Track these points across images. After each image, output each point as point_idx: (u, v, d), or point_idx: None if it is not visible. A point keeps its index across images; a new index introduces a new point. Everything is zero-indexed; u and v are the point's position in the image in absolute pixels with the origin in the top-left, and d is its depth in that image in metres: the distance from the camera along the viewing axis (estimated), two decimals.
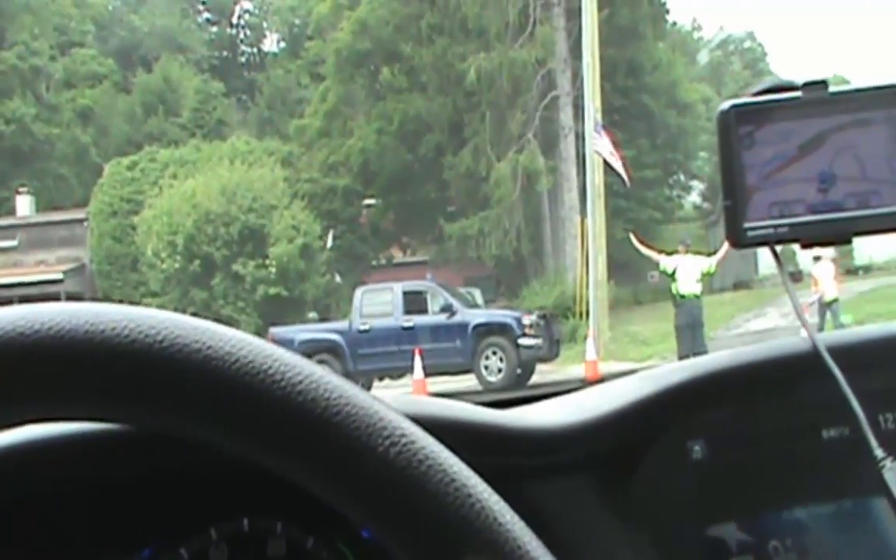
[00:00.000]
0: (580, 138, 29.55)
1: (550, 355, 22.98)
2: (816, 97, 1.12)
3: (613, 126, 26.81)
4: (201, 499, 1.01)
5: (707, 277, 17.67)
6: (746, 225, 1.12)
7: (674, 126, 42.62)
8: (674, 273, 17.20)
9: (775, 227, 1.12)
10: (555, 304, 29.63)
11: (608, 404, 1.15)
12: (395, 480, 0.58)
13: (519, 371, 21.98)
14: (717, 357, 1.22)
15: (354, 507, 0.60)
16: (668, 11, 43.49)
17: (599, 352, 22.32)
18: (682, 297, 17.11)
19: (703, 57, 63.30)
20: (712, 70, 62.52)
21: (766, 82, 1.15)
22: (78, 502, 0.98)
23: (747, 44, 69.39)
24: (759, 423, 1.17)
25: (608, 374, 19.47)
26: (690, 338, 16.97)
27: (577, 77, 31.39)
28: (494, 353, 22.02)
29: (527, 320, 22.16)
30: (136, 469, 0.98)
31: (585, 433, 1.12)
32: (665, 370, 1.22)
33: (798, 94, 1.12)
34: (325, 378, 0.61)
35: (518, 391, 1.56)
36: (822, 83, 1.12)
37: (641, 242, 19.63)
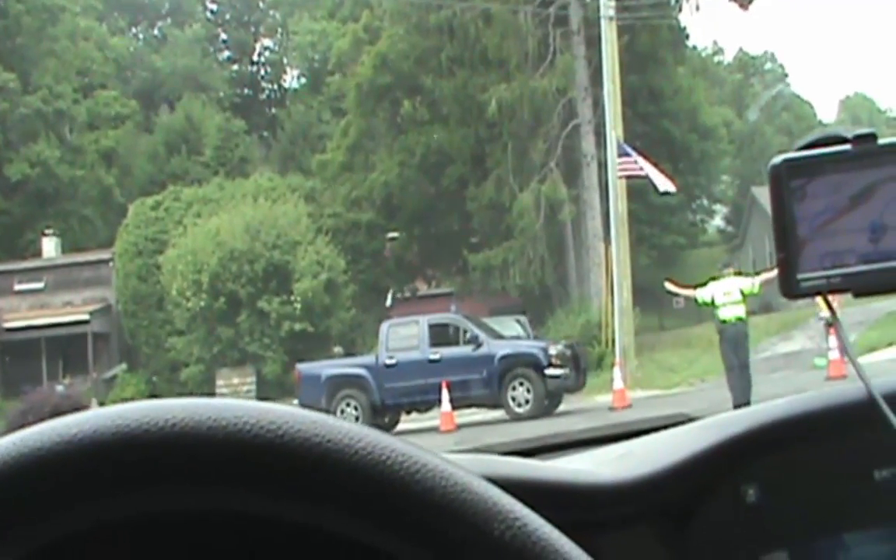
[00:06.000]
0: (602, 166, 29.57)
1: (577, 385, 22.90)
2: (866, 149, 1.11)
3: (635, 150, 26.77)
4: None
5: (749, 297, 17.16)
6: (800, 276, 1.12)
7: (696, 151, 42.63)
8: (712, 301, 16.83)
9: (828, 277, 1.12)
10: (581, 332, 29.57)
11: (670, 456, 1.17)
12: None
13: (546, 401, 21.91)
14: (773, 406, 1.23)
15: None
16: (687, 36, 43.58)
17: (626, 380, 22.27)
18: (724, 322, 16.67)
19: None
20: (733, 93, 62.50)
21: (815, 134, 1.14)
22: None
23: (768, 65, 69.43)
24: (812, 467, 1.18)
25: (636, 400, 19.29)
26: (735, 363, 16.58)
27: (598, 105, 31.42)
28: (521, 384, 21.96)
29: (553, 350, 22.10)
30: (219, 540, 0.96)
31: (651, 485, 1.14)
32: (723, 420, 1.24)
33: (848, 146, 1.12)
34: (440, 466, 0.63)
35: (562, 435, 1.58)
36: (872, 136, 1.12)
37: (676, 284, 19.42)
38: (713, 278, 17.27)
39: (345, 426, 0.63)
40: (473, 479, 0.63)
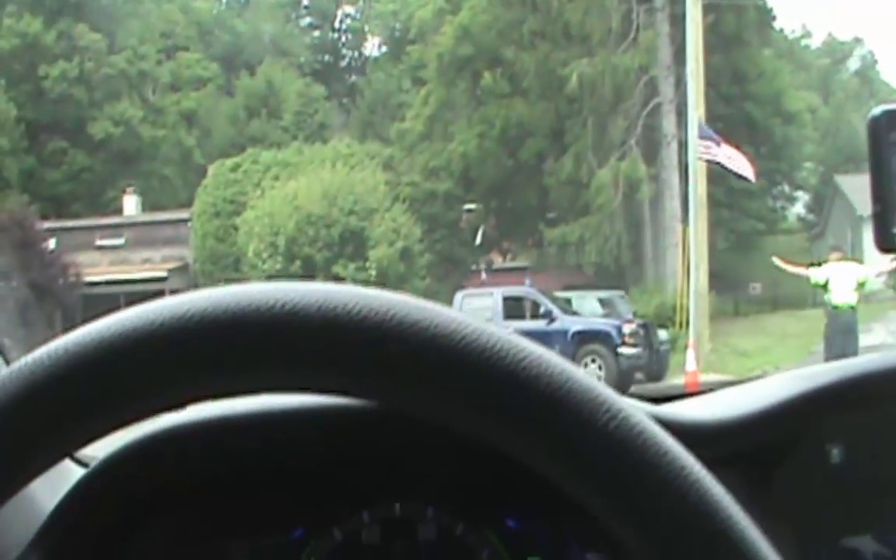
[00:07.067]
0: (683, 146, 29.25)
1: (650, 365, 22.72)
2: None
3: (716, 134, 26.43)
4: (355, 484, 1.07)
5: (862, 287, 16.52)
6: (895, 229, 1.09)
7: (778, 136, 41.93)
8: (826, 284, 16.34)
9: None
10: (655, 313, 29.33)
11: (759, 402, 1.15)
12: (616, 451, 0.61)
13: (618, 380, 21.76)
14: (866, 360, 1.21)
15: (578, 477, 0.62)
16: (774, 18, 42.90)
17: (699, 362, 22.05)
18: (836, 307, 16.05)
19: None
20: (820, 78, 61.40)
21: None
22: (241, 483, 1.05)
23: (856, 51, 68.14)
24: None
25: (708, 384, 19.12)
26: (840, 351, 16.01)
27: (680, 84, 31.09)
28: (594, 361, 21.84)
29: (627, 329, 21.93)
30: (294, 455, 1.04)
31: (737, 429, 1.13)
32: (815, 370, 1.21)
33: None
34: (546, 356, 0.63)
35: (644, 392, 1.58)
36: None
37: (785, 262, 18.93)
38: (825, 260, 16.86)
39: (452, 314, 0.63)
40: (577, 371, 0.63)
